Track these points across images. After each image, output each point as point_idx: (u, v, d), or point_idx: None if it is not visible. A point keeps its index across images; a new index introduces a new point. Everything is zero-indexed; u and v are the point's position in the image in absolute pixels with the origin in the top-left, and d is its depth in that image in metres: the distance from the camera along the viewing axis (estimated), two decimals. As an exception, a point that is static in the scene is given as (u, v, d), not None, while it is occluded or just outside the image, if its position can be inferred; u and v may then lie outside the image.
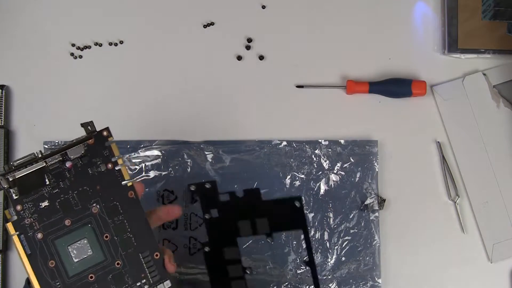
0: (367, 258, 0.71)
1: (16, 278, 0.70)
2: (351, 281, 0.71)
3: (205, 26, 0.75)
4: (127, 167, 0.51)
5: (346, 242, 0.71)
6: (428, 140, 0.74)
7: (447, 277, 0.72)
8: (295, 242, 0.71)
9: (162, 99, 0.74)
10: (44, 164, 0.49)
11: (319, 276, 0.71)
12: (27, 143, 0.72)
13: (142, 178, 0.71)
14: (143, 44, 0.75)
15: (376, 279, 0.71)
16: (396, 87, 0.73)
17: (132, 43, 0.75)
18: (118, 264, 0.50)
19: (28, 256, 0.48)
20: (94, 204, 0.50)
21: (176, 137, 0.73)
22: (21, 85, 0.73)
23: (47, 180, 0.49)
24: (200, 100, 0.74)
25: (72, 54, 0.74)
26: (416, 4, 0.76)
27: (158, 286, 0.51)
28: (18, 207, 0.48)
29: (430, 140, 0.74)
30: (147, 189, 0.71)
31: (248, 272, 0.61)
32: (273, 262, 0.70)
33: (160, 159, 0.72)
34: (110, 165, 0.51)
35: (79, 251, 0.49)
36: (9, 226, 0.48)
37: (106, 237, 0.50)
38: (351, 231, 0.72)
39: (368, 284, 0.71)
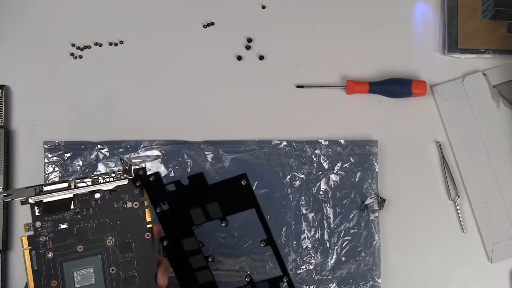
0: (367, 258, 0.71)
1: (16, 278, 0.70)
2: (351, 281, 0.71)
3: (205, 26, 0.75)
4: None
5: (346, 242, 0.72)
6: (428, 140, 0.74)
7: (447, 277, 0.72)
8: (295, 242, 0.71)
9: (162, 99, 0.73)
10: (74, 194, 0.50)
11: (319, 276, 0.71)
12: (27, 143, 0.72)
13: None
14: (143, 44, 0.74)
15: (376, 279, 0.71)
16: (396, 87, 0.73)
17: (132, 43, 0.75)
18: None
19: (33, 271, 0.49)
20: (110, 237, 0.51)
21: (176, 137, 0.73)
22: (21, 85, 0.73)
23: (72, 205, 0.50)
24: (200, 100, 0.74)
25: (72, 54, 0.74)
26: (416, 4, 0.76)
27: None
28: (37, 224, 0.49)
29: (430, 140, 0.74)
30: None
31: (210, 260, 0.60)
32: (273, 262, 0.70)
33: (160, 159, 0.72)
34: (136, 204, 0.51)
35: (83, 278, 0.50)
36: (24, 239, 0.49)
37: (112, 270, 0.51)
38: (351, 231, 0.72)
39: (368, 284, 0.71)
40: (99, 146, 0.72)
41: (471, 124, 0.73)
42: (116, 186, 0.51)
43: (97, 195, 0.50)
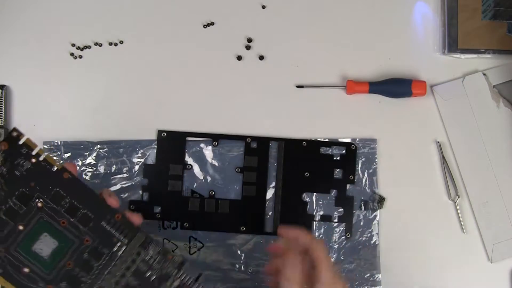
0: (367, 257, 0.71)
1: None
2: (352, 280, 0.71)
3: (205, 26, 0.75)
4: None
5: (345, 241, 0.71)
6: (428, 140, 0.74)
7: (447, 277, 0.72)
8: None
9: (161, 99, 0.74)
10: None
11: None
12: (27, 143, 0.72)
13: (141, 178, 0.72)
14: (143, 44, 0.75)
15: (376, 278, 0.71)
16: (396, 87, 0.73)
17: (132, 43, 0.75)
18: (87, 241, 0.51)
19: (1, 275, 0.49)
20: (37, 200, 0.50)
21: (176, 137, 0.73)
22: (21, 85, 0.73)
23: None
24: (200, 100, 0.74)
25: (72, 54, 0.74)
26: (416, 4, 0.76)
27: (132, 242, 0.51)
28: None
29: (430, 140, 0.74)
30: (146, 189, 0.71)
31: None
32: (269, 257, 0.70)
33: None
34: (33, 160, 0.51)
35: (45, 246, 0.50)
36: None
37: (63, 223, 0.50)
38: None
39: (368, 283, 0.71)
40: (98, 146, 0.72)
41: (471, 124, 0.73)
42: (2, 156, 0.50)
43: None
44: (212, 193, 0.71)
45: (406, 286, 0.72)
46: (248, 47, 0.75)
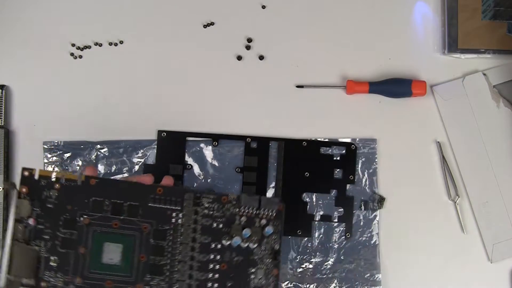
0: (367, 257, 0.71)
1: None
2: (352, 280, 0.71)
3: (205, 26, 0.75)
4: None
5: (345, 241, 0.71)
6: (428, 140, 0.74)
7: (447, 277, 0.72)
8: (294, 240, 0.71)
9: (161, 99, 0.74)
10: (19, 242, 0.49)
11: (319, 274, 0.71)
12: (27, 143, 0.72)
13: (142, 178, 0.71)
14: (143, 44, 0.75)
15: (376, 278, 0.71)
16: (396, 87, 0.73)
17: (132, 43, 0.75)
18: (145, 228, 0.51)
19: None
20: (81, 218, 0.50)
21: (176, 137, 0.73)
22: (21, 85, 0.73)
23: (36, 247, 0.50)
24: (200, 100, 0.74)
25: (72, 54, 0.74)
26: (416, 4, 0.76)
27: (185, 204, 0.51)
28: (43, 284, 0.49)
29: (430, 140, 0.74)
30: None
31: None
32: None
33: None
34: (57, 185, 0.51)
35: (113, 254, 0.50)
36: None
37: (115, 224, 0.50)
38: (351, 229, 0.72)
39: (368, 283, 0.71)
40: (98, 146, 0.72)
41: (471, 124, 0.73)
42: (29, 201, 0.50)
43: (31, 220, 0.49)
44: None
45: (406, 286, 0.72)
46: (248, 47, 0.75)
